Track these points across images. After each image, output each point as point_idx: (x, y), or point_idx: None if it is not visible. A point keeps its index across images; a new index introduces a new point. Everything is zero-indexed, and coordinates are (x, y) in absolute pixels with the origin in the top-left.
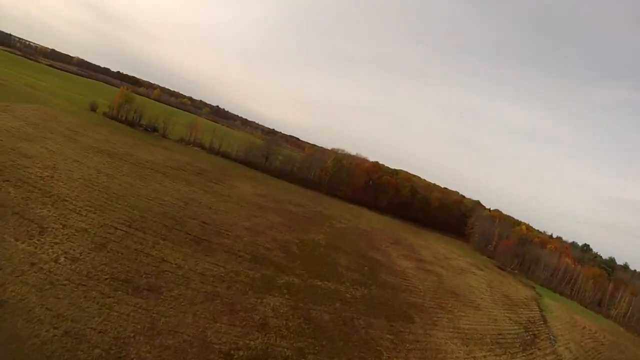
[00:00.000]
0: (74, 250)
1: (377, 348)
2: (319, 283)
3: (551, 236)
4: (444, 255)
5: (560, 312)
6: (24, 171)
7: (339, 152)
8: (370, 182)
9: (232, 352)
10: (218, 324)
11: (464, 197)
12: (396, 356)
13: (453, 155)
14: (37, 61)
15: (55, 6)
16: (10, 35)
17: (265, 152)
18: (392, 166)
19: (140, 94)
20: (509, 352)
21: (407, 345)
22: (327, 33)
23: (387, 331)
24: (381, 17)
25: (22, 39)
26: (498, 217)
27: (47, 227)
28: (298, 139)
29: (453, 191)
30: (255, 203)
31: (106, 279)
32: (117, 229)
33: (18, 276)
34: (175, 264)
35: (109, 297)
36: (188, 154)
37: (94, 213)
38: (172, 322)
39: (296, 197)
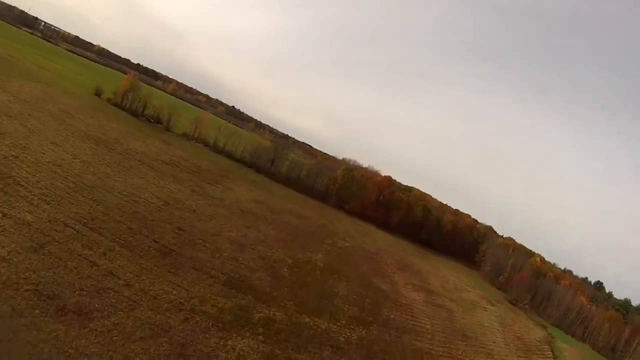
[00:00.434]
0: (2, 247)
1: None
2: (307, 320)
3: (564, 270)
4: (454, 285)
5: (573, 359)
6: None
7: (350, 162)
8: (381, 198)
9: None
10: None
11: (477, 221)
12: None
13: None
14: (56, 44)
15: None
16: (36, 18)
17: (272, 155)
18: (405, 182)
19: (155, 87)
20: None
21: None
22: (354, 46)
23: None
24: (412, 32)
25: (47, 23)
26: (512, 246)
27: None
28: (311, 146)
29: (465, 214)
30: (249, 210)
31: (27, 290)
32: (67, 226)
33: None
34: (124, 280)
35: (21, 317)
36: (187, 150)
37: (48, 204)
38: None
39: (298, 207)
